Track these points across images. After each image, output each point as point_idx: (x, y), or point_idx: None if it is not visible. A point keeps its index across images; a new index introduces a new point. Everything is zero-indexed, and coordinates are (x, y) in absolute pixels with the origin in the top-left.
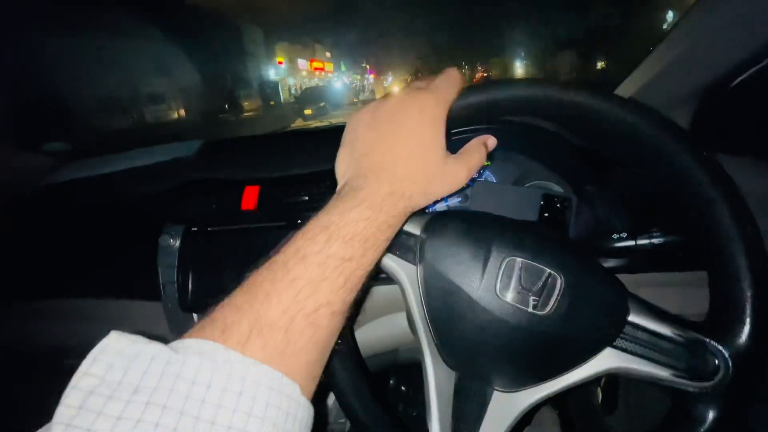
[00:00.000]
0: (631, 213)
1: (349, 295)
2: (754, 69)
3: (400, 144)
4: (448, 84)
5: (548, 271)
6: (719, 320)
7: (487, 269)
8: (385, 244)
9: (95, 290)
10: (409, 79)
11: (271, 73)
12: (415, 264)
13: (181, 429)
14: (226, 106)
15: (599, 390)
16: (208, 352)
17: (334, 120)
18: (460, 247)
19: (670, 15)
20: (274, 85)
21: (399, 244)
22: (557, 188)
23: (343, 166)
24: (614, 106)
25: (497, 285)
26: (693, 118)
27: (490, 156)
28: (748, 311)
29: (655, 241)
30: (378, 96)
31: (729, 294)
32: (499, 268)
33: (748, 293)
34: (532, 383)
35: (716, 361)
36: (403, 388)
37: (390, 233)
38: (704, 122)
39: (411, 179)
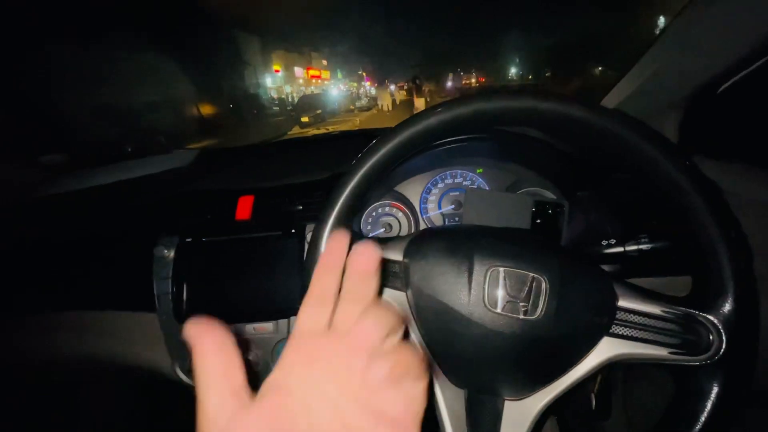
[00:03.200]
0: (622, 219)
1: None
2: (739, 75)
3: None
4: (363, 293)
5: (531, 275)
6: (704, 293)
7: (473, 283)
8: None
9: (89, 302)
10: (405, 86)
11: (268, 81)
12: (403, 290)
13: None
14: (223, 113)
15: (593, 396)
16: None
17: (331, 127)
18: (443, 265)
19: (662, 20)
20: (271, 93)
21: (385, 274)
22: (550, 195)
23: None
24: (600, 117)
25: (485, 298)
26: (681, 124)
27: (482, 162)
28: (729, 280)
29: (643, 247)
30: (382, 102)
31: (710, 268)
32: (484, 279)
33: (727, 264)
34: (539, 387)
35: (709, 333)
36: None
37: None
38: (692, 128)
39: None
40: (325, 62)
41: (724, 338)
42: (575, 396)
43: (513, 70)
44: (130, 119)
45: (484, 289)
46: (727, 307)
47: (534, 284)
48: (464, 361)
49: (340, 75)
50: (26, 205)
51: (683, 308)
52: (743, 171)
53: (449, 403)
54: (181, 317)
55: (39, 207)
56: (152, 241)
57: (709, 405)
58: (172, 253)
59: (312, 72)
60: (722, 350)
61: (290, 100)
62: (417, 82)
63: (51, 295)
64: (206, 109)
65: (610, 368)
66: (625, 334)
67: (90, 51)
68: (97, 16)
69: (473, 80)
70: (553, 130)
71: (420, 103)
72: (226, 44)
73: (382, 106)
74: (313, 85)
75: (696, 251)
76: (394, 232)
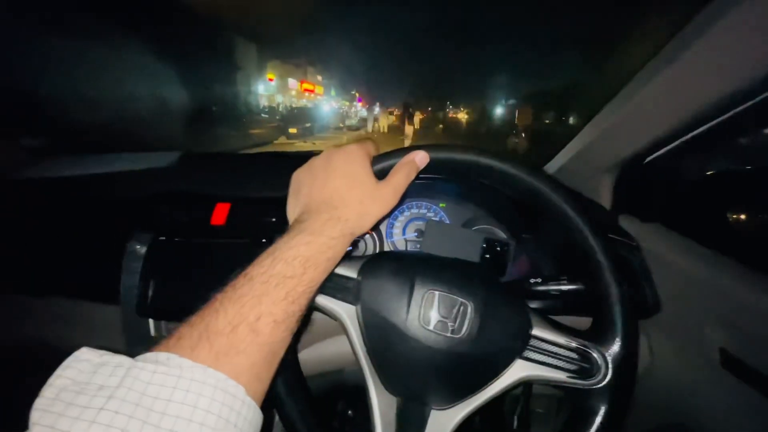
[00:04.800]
0: (556, 260)
1: (290, 307)
2: (663, 150)
3: (333, 181)
4: (367, 142)
5: (460, 300)
6: (599, 331)
7: (412, 303)
8: (326, 264)
9: (58, 290)
10: (395, 112)
11: (260, 89)
12: (353, 304)
13: (137, 415)
14: (211, 115)
15: (516, 418)
16: (164, 360)
17: (318, 142)
18: (389, 285)
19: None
20: (262, 101)
21: (339, 287)
22: (500, 233)
23: (291, 210)
24: (528, 176)
25: (421, 316)
26: (614, 186)
27: (445, 198)
28: (618, 325)
29: (562, 287)
30: (381, 123)
31: (605, 312)
32: (421, 300)
33: (618, 313)
34: (461, 398)
35: (600, 363)
36: (350, 412)
37: (331, 254)
38: (622, 190)
39: (345, 205)
40: (320, 78)
41: (610, 368)
42: (501, 417)
43: (498, 111)
44: (117, 113)
45: (420, 308)
46: (615, 345)
47: (462, 308)
48: (399, 370)
49: (333, 92)
50: (4, 186)
51: (582, 340)
52: (661, 232)
53: (383, 409)
54: (143, 311)
55: (14, 189)
56: (126, 235)
57: (597, 420)
58: (144, 249)
59: (306, 85)
60: (608, 377)
61: (281, 109)
62: (410, 110)
63: (20, 280)
64: (195, 110)
65: (529, 391)
66: (534, 358)
67: (83, 43)
68: (91, 10)
69: (460, 114)
70: (493, 182)
71: (409, 131)
72: (221, 46)
73: (380, 128)
74: (306, 98)
75: (598, 297)
76: (359, 251)
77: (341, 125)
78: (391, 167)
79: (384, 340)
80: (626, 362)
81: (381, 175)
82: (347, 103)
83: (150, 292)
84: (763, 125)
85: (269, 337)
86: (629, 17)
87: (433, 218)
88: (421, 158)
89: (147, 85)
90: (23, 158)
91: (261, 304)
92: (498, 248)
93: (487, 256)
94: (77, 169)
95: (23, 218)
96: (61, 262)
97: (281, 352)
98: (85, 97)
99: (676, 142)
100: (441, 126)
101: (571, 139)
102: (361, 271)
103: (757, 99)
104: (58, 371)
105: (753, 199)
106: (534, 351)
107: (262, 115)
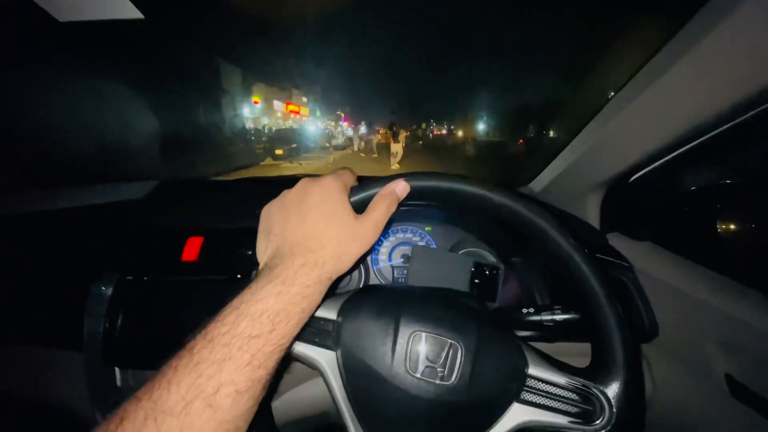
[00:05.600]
0: (547, 286)
1: (255, 372)
2: (646, 170)
3: (309, 220)
4: (344, 173)
5: (449, 341)
6: (600, 368)
7: (397, 346)
8: (300, 316)
9: (14, 334)
10: (381, 131)
11: (246, 112)
12: (333, 349)
13: None
14: (195, 137)
15: None
16: None
17: (304, 162)
18: (371, 326)
19: (611, 96)
20: (248, 123)
21: (317, 331)
22: (489, 257)
23: (261, 250)
24: (517, 204)
25: (407, 361)
26: (601, 204)
27: (431, 222)
28: (621, 364)
29: (556, 317)
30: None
31: (604, 348)
32: (407, 343)
33: (620, 351)
34: None
35: (602, 405)
36: None
37: (306, 304)
38: (610, 208)
39: (321, 247)
40: (305, 99)
41: (614, 410)
42: None
43: (481, 127)
44: (98, 142)
45: (406, 352)
46: (616, 384)
47: (451, 350)
48: (384, 422)
49: (318, 113)
50: None
51: (582, 379)
52: (653, 251)
53: None
54: (110, 358)
55: None
56: (90, 275)
57: None
58: (109, 291)
59: (291, 107)
60: (613, 420)
61: (267, 131)
62: (393, 128)
63: None
64: (178, 134)
65: None
66: (533, 400)
67: (60, 71)
68: (66, 38)
69: (444, 131)
70: (478, 210)
71: (396, 148)
72: (206, 70)
73: (370, 146)
74: (292, 120)
75: (595, 330)
76: (342, 285)
77: (327, 145)
78: (370, 198)
79: (368, 388)
80: (630, 402)
81: (359, 206)
82: (333, 123)
83: (116, 338)
84: (750, 139)
85: (230, 411)
86: (611, 33)
87: (420, 243)
88: (401, 188)
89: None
90: None
91: (221, 372)
92: (487, 272)
93: (477, 281)
94: (41, 204)
95: None
96: (19, 305)
97: (245, 426)
98: (58, 126)
99: (663, 159)
100: (420, 142)
101: (554, 156)
102: (341, 312)
103: (746, 116)
104: None
105: (743, 212)
106: (531, 392)
107: (249, 137)
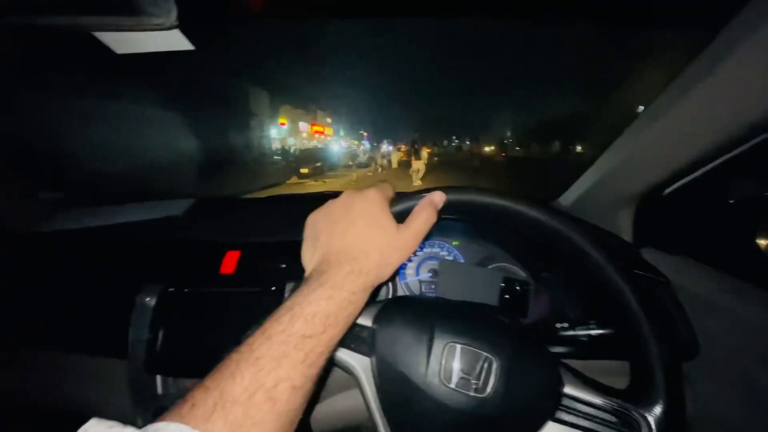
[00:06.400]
0: (580, 301)
1: (309, 370)
2: (682, 181)
3: (354, 229)
4: (384, 186)
5: (484, 354)
6: (640, 390)
7: (432, 356)
8: (347, 320)
9: (64, 343)
10: (402, 148)
11: (273, 133)
12: (368, 356)
13: None
14: (226, 159)
15: None
16: None
17: (328, 180)
18: (407, 335)
19: (640, 109)
20: (275, 144)
21: (352, 337)
22: (519, 272)
23: (308, 257)
24: (552, 220)
25: (441, 372)
26: (634, 219)
27: (458, 236)
28: (661, 388)
29: (592, 332)
30: (392, 159)
31: (643, 369)
32: (442, 354)
33: (659, 370)
34: None
35: (642, 427)
36: None
37: (352, 309)
38: (643, 223)
39: (366, 256)
40: (329, 120)
41: None
42: None
43: (505, 143)
44: (135, 163)
45: (441, 363)
46: (658, 406)
47: (486, 363)
48: (416, 430)
49: (342, 133)
50: (20, 240)
51: (621, 401)
52: (690, 265)
53: None
54: (152, 367)
55: (25, 243)
56: (135, 287)
57: None
58: (153, 301)
59: (316, 127)
60: None
61: (293, 151)
62: (416, 146)
63: (28, 332)
64: (210, 155)
65: None
66: (568, 420)
67: (98, 96)
68: (103, 60)
69: (465, 148)
70: (513, 224)
71: (417, 165)
72: (236, 94)
73: (391, 164)
74: (316, 140)
75: (633, 348)
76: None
77: (351, 163)
78: (409, 210)
79: (401, 396)
80: (673, 427)
81: (399, 218)
82: (356, 143)
83: (158, 347)
84: None
85: (286, 404)
86: (636, 51)
87: (447, 257)
88: (440, 200)
89: (164, 134)
90: (42, 211)
91: (280, 367)
92: (517, 288)
93: (507, 296)
94: (88, 221)
95: (31, 272)
96: (67, 316)
97: (297, 421)
98: (102, 149)
99: (700, 171)
100: (437, 159)
101: (583, 171)
102: (377, 319)
103: None
104: None
105: None
106: (567, 412)
107: (275, 157)
